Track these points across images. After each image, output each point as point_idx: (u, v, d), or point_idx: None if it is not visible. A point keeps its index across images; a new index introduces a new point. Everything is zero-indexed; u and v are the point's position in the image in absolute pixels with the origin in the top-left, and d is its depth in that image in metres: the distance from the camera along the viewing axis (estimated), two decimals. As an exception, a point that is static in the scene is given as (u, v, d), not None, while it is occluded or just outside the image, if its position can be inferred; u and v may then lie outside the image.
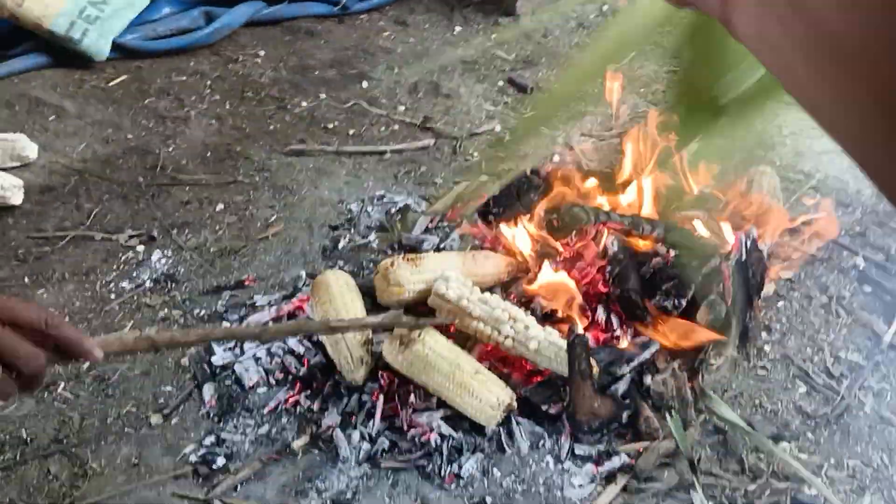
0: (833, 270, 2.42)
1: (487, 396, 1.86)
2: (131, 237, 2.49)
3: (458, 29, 3.76)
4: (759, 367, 2.11)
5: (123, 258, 2.42)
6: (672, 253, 2.19)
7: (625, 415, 1.89)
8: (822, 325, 2.24)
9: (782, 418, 1.98)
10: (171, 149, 2.89)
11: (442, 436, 1.87)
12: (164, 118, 3.05)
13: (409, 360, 1.90)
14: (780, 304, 2.30)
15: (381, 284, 2.11)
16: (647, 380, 1.97)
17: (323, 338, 2.01)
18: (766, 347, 2.17)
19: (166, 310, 2.25)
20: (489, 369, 2.00)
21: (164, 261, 2.41)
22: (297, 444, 1.88)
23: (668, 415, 1.90)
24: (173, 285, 2.33)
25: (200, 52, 3.44)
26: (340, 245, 2.46)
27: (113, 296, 2.29)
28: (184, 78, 3.29)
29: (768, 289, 2.28)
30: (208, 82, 3.28)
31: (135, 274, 2.36)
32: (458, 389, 1.86)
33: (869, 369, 2.11)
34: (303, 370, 2.03)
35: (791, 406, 2.02)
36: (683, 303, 2.07)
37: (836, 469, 1.87)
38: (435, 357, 1.88)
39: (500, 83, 3.37)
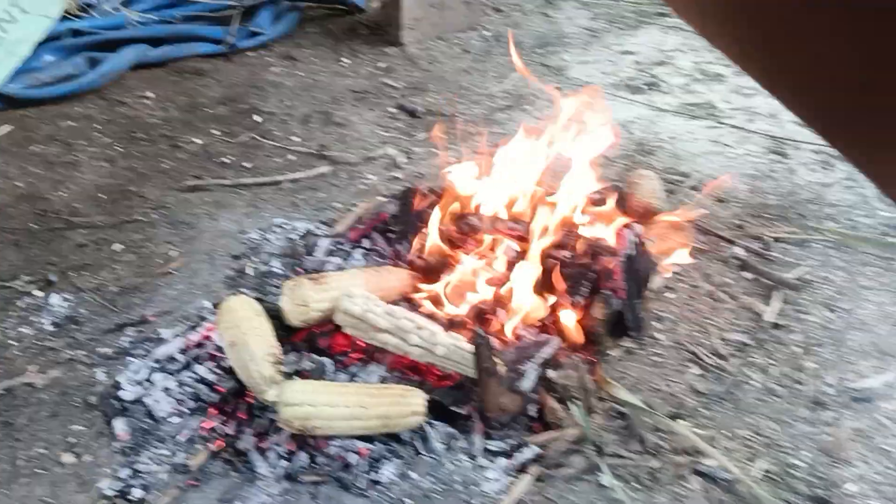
0: (715, 261, 2.58)
1: (403, 410, 1.91)
2: (28, 282, 2.45)
3: (345, 61, 3.85)
4: (653, 353, 2.23)
5: (21, 304, 2.37)
6: (565, 254, 2.30)
7: (532, 408, 1.97)
8: (709, 311, 2.39)
9: (678, 398, 2.10)
10: (62, 193, 2.85)
11: (358, 452, 1.90)
12: (54, 164, 3.01)
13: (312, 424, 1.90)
14: (670, 294, 2.44)
15: (287, 305, 2.14)
16: (551, 373, 2.06)
17: (232, 361, 2.02)
18: (659, 335, 2.29)
19: (70, 351, 2.22)
20: (400, 378, 2.06)
21: (64, 304, 2.38)
22: (215, 467, 1.88)
23: (572, 404, 1.99)
24: (75, 327, 2.30)
25: (87, 97, 3.41)
26: (246, 272, 2.47)
27: (13, 342, 2.25)
28: (71, 123, 3.25)
29: (658, 281, 2.42)
30: (97, 126, 3.25)
31: (34, 319, 2.33)
32: (375, 422, 1.91)
33: (754, 347, 2.26)
34: (215, 396, 2.04)
35: (686, 387, 2.14)
36: (581, 299, 2.18)
37: (731, 440, 2.00)
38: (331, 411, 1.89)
39: (391, 109, 3.46)
